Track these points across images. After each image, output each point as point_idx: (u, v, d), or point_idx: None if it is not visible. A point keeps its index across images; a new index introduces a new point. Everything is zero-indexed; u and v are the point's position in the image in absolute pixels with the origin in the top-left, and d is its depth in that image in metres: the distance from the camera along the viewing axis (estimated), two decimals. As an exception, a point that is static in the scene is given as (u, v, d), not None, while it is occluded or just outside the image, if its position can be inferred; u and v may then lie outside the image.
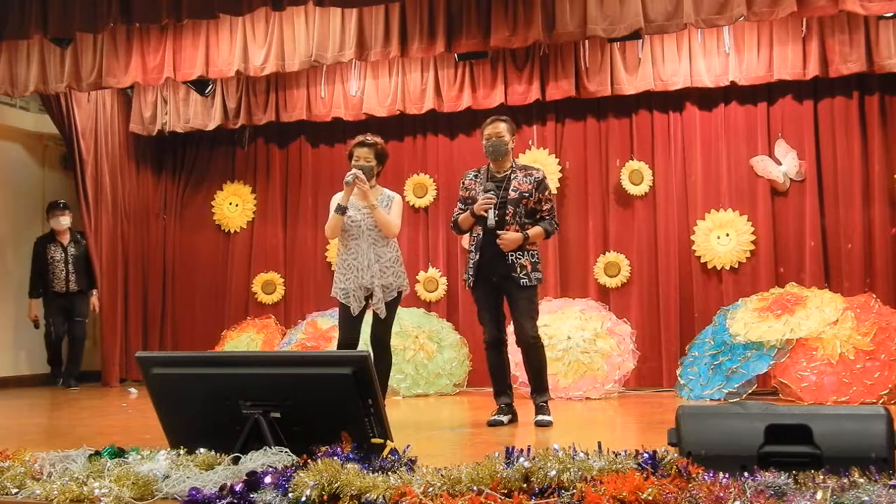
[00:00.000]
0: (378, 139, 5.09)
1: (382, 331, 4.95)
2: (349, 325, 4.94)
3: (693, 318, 7.24)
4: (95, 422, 5.63)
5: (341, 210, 4.92)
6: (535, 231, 4.94)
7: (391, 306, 4.94)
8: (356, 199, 4.95)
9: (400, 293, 5.01)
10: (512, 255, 4.88)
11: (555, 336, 6.68)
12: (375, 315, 4.95)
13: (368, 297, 4.92)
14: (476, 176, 5.09)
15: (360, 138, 5.08)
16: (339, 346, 4.98)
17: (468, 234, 5.14)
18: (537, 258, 4.98)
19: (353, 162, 5.00)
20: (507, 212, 4.90)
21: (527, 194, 4.94)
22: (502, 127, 5.00)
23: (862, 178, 7.02)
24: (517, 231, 4.88)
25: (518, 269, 4.87)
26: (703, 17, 5.75)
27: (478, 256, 4.95)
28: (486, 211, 4.86)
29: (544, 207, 5.01)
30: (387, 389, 5.31)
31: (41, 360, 8.34)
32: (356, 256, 4.92)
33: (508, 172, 5.00)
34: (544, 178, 5.08)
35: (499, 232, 4.86)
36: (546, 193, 5.04)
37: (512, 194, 4.93)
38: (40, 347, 8.37)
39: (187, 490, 2.52)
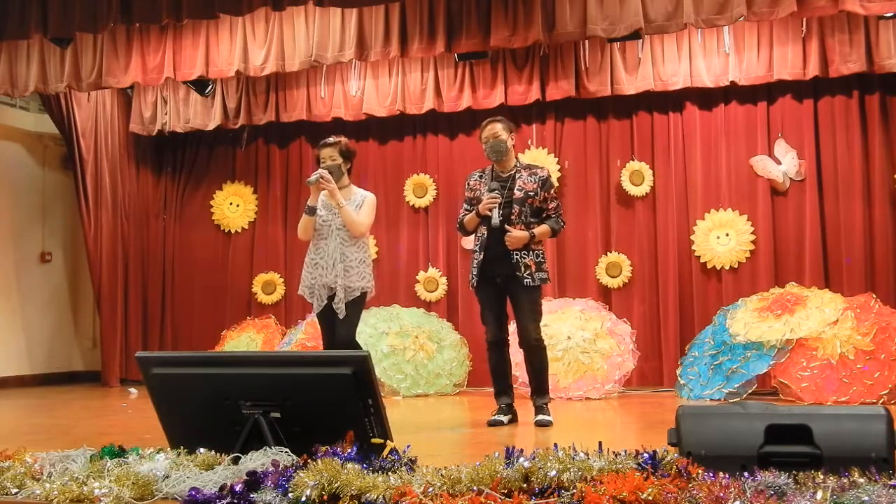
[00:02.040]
0: (341, 137, 5.08)
1: (346, 331, 4.87)
2: (326, 326, 4.94)
3: (693, 318, 7.25)
4: (95, 422, 5.63)
5: (310, 211, 4.90)
6: (541, 230, 4.92)
7: (353, 305, 4.86)
8: (328, 200, 4.93)
9: (364, 293, 4.92)
10: (517, 255, 4.86)
11: (555, 336, 6.68)
12: (337, 316, 4.89)
13: (332, 298, 4.87)
14: (481, 176, 5.09)
15: (323, 141, 5.06)
16: (324, 346, 4.98)
17: (473, 235, 5.12)
18: (542, 258, 4.96)
19: (320, 164, 4.98)
20: (512, 211, 4.88)
21: (532, 193, 4.93)
22: (498, 127, 4.99)
23: (862, 178, 7.02)
24: (523, 230, 4.88)
25: (522, 269, 4.85)
26: (703, 17, 5.75)
27: (482, 256, 4.94)
28: (491, 210, 4.86)
29: (550, 206, 4.99)
30: None
31: (42, 359, 8.37)
32: (323, 255, 4.90)
33: (513, 172, 4.99)
34: (549, 176, 5.06)
35: (507, 227, 4.84)
36: (551, 192, 5.02)
37: (517, 193, 4.92)
38: (41, 347, 8.39)
39: (187, 490, 2.52)
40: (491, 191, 4.90)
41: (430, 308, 7.79)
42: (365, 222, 4.93)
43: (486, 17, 6.12)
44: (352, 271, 4.87)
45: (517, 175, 4.97)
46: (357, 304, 4.90)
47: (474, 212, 4.95)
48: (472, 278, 4.99)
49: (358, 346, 4.91)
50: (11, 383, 7.97)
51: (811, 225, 7.08)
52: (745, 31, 6.90)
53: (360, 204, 4.95)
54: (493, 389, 5.16)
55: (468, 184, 5.12)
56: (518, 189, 4.93)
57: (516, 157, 5.14)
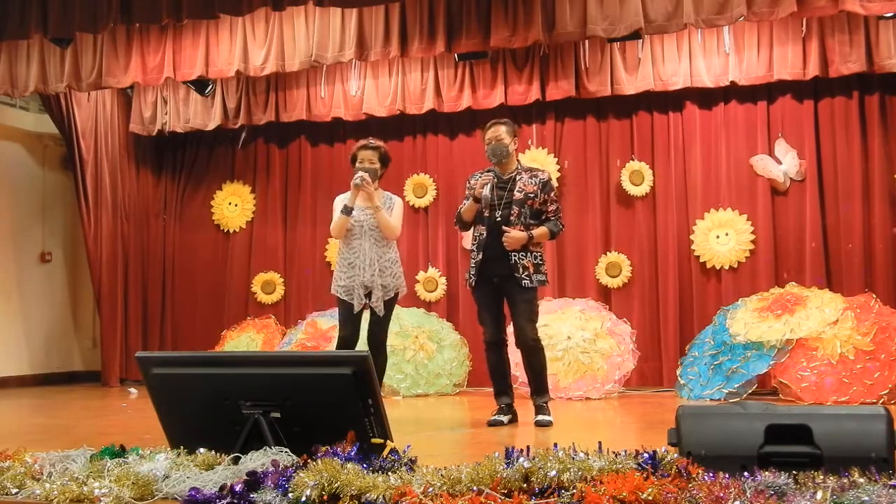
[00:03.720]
0: (381, 143, 5.20)
1: (379, 331, 5.03)
2: (350, 323, 5.00)
3: (693, 318, 7.24)
4: (95, 422, 5.63)
5: (348, 211, 4.99)
6: (539, 231, 4.92)
7: (388, 306, 5.02)
8: (359, 200, 5.02)
9: (397, 294, 5.10)
10: (515, 256, 4.86)
11: (555, 336, 6.68)
12: (373, 315, 5.02)
13: (368, 296, 4.98)
14: (482, 177, 5.09)
15: (363, 142, 5.16)
16: (339, 344, 5.02)
17: (470, 233, 5.14)
18: (541, 260, 4.97)
19: (357, 164, 5.05)
20: (511, 212, 4.89)
21: (532, 195, 4.93)
22: (502, 130, 4.99)
23: (862, 178, 7.01)
24: (522, 231, 4.88)
25: (520, 270, 4.86)
26: (703, 17, 5.75)
27: (480, 256, 4.94)
28: (484, 187, 4.86)
29: (550, 208, 5.00)
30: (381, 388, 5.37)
31: (42, 359, 8.36)
32: (358, 255, 4.99)
33: (514, 174, 5.00)
34: (549, 179, 5.06)
35: (505, 228, 4.85)
36: (551, 195, 5.02)
37: (517, 195, 4.92)
38: (41, 347, 8.38)
39: (187, 490, 2.52)
40: (487, 182, 4.90)
41: (430, 308, 7.79)
42: (399, 227, 5.11)
43: (486, 17, 6.12)
44: (387, 271, 5.02)
45: (518, 177, 4.98)
46: (392, 305, 5.07)
47: (472, 198, 4.95)
48: (471, 278, 4.99)
49: (385, 350, 5.04)
50: (11, 383, 7.97)
51: (811, 225, 7.07)
52: (745, 31, 6.90)
53: (390, 207, 5.08)
54: (492, 390, 5.16)
55: (469, 182, 5.12)
56: (518, 190, 4.93)
57: (517, 160, 5.15)
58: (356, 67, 7.71)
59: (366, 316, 5.08)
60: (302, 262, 8.32)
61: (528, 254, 4.90)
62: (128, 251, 8.51)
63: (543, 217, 4.98)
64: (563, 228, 5.18)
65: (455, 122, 7.95)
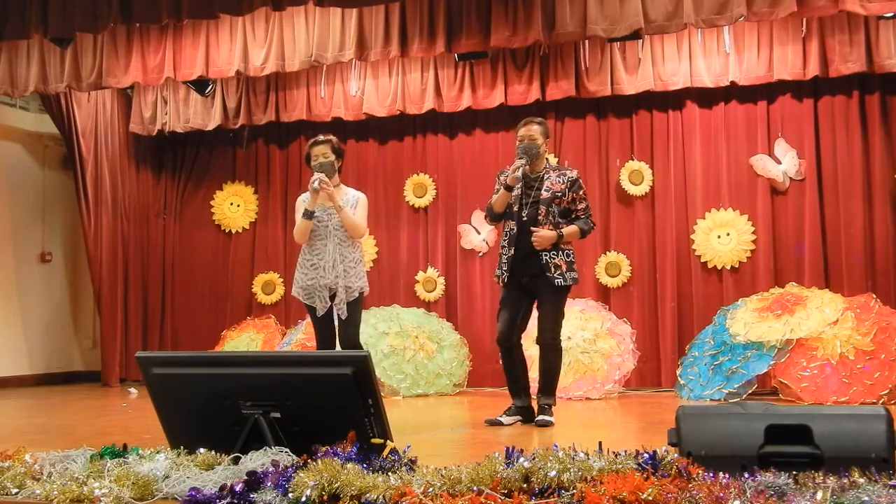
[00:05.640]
0: (330, 136, 5.11)
1: (350, 332, 4.93)
2: (323, 326, 4.97)
3: (693, 318, 7.24)
4: (95, 422, 5.62)
5: (309, 215, 4.94)
6: (569, 230, 4.91)
7: (353, 306, 4.93)
8: (320, 200, 4.96)
9: (361, 294, 5.00)
10: (546, 255, 4.85)
11: (555, 336, 6.67)
12: (339, 318, 4.95)
13: (332, 298, 4.93)
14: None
15: (313, 139, 5.08)
16: (319, 348, 4.99)
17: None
18: (573, 258, 4.96)
19: (312, 163, 5.00)
20: (539, 211, 4.88)
21: (560, 194, 4.92)
22: (535, 130, 4.98)
23: (862, 178, 7.01)
24: (551, 230, 4.87)
25: (552, 269, 4.85)
26: (703, 17, 5.76)
27: (512, 252, 4.92)
28: (517, 170, 4.83)
29: (579, 207, 4.99)
30: None
31: (42, 359, 8.36)
32: (321, 256, 4.94)
33: (542, 173, 5.00)
34: (578, 178, 5.05)
35: (533, 228, 4.85)
36: (580, 193, 5.00)
37: (544, 194, 4.92)
38: (41, 347, 8.38)
39: (187, 490, 2.52)
40: (519, 165, 4.88)
41: (430, 308, 7.78)
42: (364, 224, 5.02)
43: (486, 17, 6.12)
44: (351, 272, 4.93)
45: (545, 176, 4.98)
46: (358, 305, 4.97)
47: (503, 188, 4.92)
48: (503, 274, 4.95)
49: (361, 347, 4.96)
50: (11, 383, 7.97)
51: (811, 225, 7.07)
52: (745, 31, 6.90)
53: (353, 204, 5.00)
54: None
55: (499, 178, 5.08)
56: (546, 190, 4.93)
57: (546, 160, 5.14)
58: (356, 67, 7.71)
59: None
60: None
61: (560, 252, 4.89)
62: (128, 251, 8.51)
63: (573, 216, 4.98)
64: (595, 227, 5.16)
65: (455, 122, 7.95)
